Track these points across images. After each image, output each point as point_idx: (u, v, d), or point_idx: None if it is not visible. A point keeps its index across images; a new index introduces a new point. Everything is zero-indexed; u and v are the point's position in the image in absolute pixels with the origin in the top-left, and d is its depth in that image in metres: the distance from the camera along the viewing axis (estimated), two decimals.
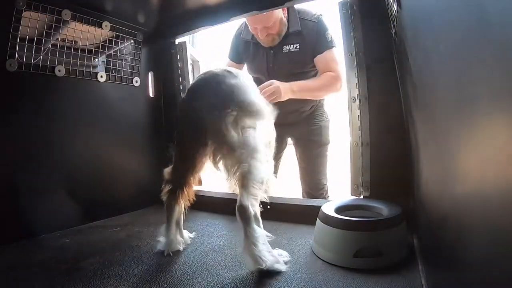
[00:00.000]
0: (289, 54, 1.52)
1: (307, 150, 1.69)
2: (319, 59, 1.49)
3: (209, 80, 0.93)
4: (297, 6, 1.55)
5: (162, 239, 1.02)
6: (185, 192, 0.99)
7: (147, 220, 1.38)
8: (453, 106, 0.44)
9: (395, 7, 0.84)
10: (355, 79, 1.21)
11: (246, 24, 1.59)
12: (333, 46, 1.50)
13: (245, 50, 1.68)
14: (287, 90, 1.37)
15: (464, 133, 0.41)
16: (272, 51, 1.56)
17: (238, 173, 0.88)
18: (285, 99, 1.36)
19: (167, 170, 1.02)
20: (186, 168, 0.97)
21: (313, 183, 1.70)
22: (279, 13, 1.47)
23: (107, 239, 1.18)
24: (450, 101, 0.46)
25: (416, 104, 0.76)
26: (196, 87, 0.96)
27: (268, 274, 0.83)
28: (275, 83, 1.34)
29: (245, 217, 0.83)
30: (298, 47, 1.51)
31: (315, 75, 1.59)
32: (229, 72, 0.94)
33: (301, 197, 1.81)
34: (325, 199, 1.68)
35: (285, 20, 1.52)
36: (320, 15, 1.54)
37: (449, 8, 0.40)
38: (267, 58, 1.57)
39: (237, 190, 0.91)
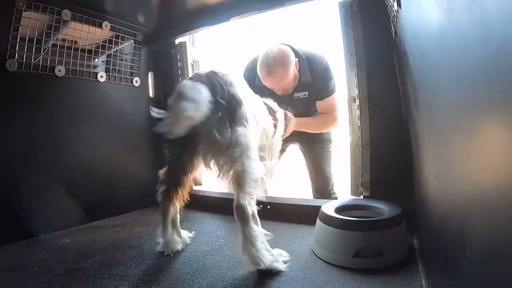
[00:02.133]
0: (299, 100, 1.62)
1: (312, 147, 1.79)
2: (321, 104, 1.63)
3: (195, 78, 0.91)
4: (305, 50, 1.59)
5: (160, 240, 1.02)
6: (179, 192, 0.99)
7: (147, 220, 1.38)
8: (453, 106, 0.44)
9: (395, 7, 0.84)
10: (355, 79, 1.21)
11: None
12: (334, 93, 1.63)
13: (259, 91, 1.67)
14: (295, 124, 1.54)
15: (464, 133, 0.41)
16: (285, 97, 1.62)
17: (231, 173, 0.88)
18: (288, 133, 1.51)
19: (162, 171, 1.03)
20: (179, 169, 0.97)
21: (322, 177, 1.79)
22: (293, 71, 1.53)
23: (107, 239, 1.18)
24: (450, 101, 0.46)
25: (416, 104, 0.76)
26: (184, 89, 0.90)
27: (268, 274, 0.83)
28: (292, 118, 1.50)
29: (242, 217, 0.84)
30: (307, 94, 1.63)
31: (315, 113, 1.70)
32: (215, 72, 0.93)
33: (305, 195, 1.88)
34: (334, 193, 1.78)
35: (297, 74, 1.58)
36: (327, 61, 1.60)
37: (449, 8, 0.40)
38: (280, 102, 1.62)
39: (233, 190, 0.91)
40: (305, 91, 1.61)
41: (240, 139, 0.87)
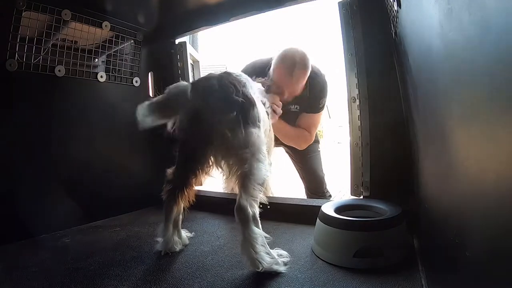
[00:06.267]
0: (291, 113, 1.63)
1: (300, 151, 1.76)
2: (303, 116, 1.63)
3: (210, 82, 0.92)
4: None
5: (160, 239, 1.02)
6: (185, 193, 0.99)
7: (147, 220, 1.38)
8: (453, 106, 0.44)
9: (395, 7, 0.84)
10: (355, 79, 1.21)
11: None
12: (320, 111, 1.64)
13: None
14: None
15: (464, 133, 0.41)
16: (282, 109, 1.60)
17: (238, 173, 0.88)
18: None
19: (169, 170, 1.02)
20: (189, 169, 0.97)
21: (315, 178, 1.78)
22: (305, 80, 1.50)
23: (107, 239, 1.18)
24: (450, 101, 0.46)
25: (416, 104, 0.76)
26: (198, 90, 0.94)
27: (268, 274, 0.83)
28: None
29: (243, 218, 0.83)
30: (298, 108, 1.64)
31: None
32: (228, 73, 0.94)
33: (302, 196, 1.87)
34: (327, 192, 1.78)
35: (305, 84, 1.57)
36: (326, 80, 1.62)
37: (449, 8, 0.40)
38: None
39: (236, 190, 0.91)
40: (297, 105, 1.62)
41: (253, 140, 0.87)
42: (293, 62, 1.43)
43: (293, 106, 1.62)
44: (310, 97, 1.58)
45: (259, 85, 1.30)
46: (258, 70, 1.60)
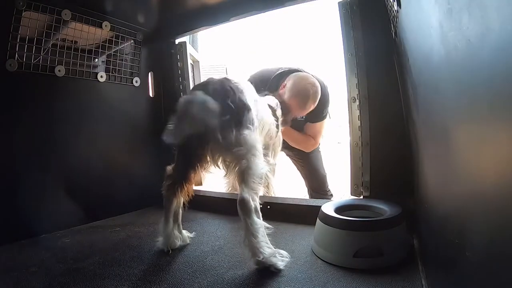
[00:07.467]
0: (297, 122, 1.75)
1: (299, 150, 1.83)
2: (309, 126, 1.78)
3: (209, 84, 0.98)
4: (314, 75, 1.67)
5: (160, 237, 1.03)
6: (185, 187, 1.02)
7: (147, 220, 1.38)
8: (453, 106, 0.44)
9: (395, 7, 0.84)
10: (355, 79, 1.21)
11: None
12: (324, 119, 1.77)
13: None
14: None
15: (464, 133, 0.41)
16: None
17: (237, 169, 0.93)
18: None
19: (169, 167, 1.05)
20: (189, 165, 1.00)
21: (317, 176, 1.83)
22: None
23: (107, 239, 1.18)
24: (450, 101, 0.46)
25: (416, 104, 0.76)
26: (197, 90, 0.99)
27: (268, 274, 0.83)
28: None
29: (245, 210, 0.87)
30: (303, 117, 1.75)
31: None
32: (228, 79, 1.00)
33: (303, 195, 1.93)
34: (329, 191, 1.82)
35: None
36: (328, 90, 1.74)
37: (449, 8, 0.40)
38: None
39: (236, 187, 0.94)
40: (303, 115, 1.72)
41: (246, 138, 0.93)
42: (306, 96, 1.56)
43: (300, 116, 1.72)
44: (315, 109, 1.67)
45: (271, 100, 1.42)
46: (265, 80, 1.72)
